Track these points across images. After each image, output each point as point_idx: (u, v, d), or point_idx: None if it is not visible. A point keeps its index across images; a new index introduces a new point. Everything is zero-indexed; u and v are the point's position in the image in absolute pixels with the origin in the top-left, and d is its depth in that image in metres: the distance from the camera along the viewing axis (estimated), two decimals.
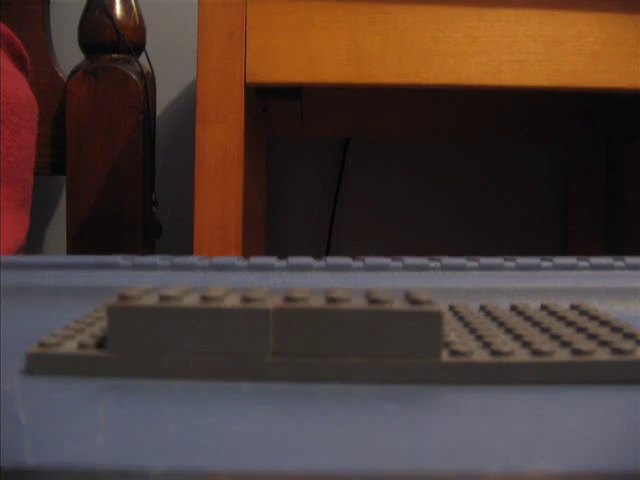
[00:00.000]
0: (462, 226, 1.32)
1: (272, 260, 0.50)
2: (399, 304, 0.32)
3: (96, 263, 0.50)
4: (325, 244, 1.29)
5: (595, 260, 0.51)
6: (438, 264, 0.50)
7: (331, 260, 0.50)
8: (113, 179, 1.05)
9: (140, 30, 1.07)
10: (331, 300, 0.32)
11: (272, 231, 1.28)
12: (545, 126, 1.27)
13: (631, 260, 0.51)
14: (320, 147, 1.30)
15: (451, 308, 0.41)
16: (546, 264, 0.50)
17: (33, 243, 1.13)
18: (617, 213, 1.28)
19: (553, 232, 1.34)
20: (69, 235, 1.05)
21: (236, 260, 0.50)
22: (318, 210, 1.31)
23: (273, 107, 1.19)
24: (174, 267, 0.50)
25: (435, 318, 0.31)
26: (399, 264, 0.51)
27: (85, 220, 1.05)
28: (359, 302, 0.32)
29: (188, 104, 1.19)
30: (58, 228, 1.20)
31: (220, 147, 0.84)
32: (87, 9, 1.06)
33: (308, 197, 1.31)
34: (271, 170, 1.25)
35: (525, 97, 1.17)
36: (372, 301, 0.32)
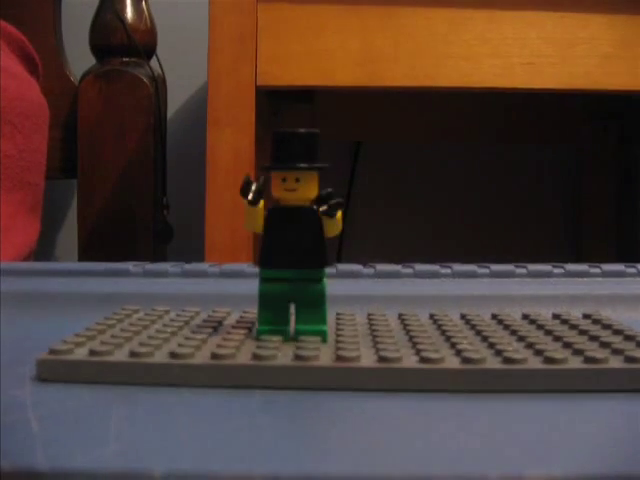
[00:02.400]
0: (474, 229, 1.31)
1: None
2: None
3: (107, 270, 0.50)
4: (336, 247, 1.29)
5: (607, 267, 0.50)
6: (449, 271, 0.50)
7: (342, 267, 0.50)
8: (124, 182, 1.05)
9: (151, 33, 1.07)
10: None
11: None
12: (558, 128, 1.27)
13: None
14: (331, 150, 1.30)
15: (463, 316, 0.41)
16: (557, 271, 0.50)
17: (44, 247, 1.13)
18: (630, 216, 1.27)
19: (565, 235, 1.34)
20: (80, 239, 1.06)
21: (246, 267, 0.50)
22: None
23: (284, 110, 1.18)
24: (185, 274, 0.50)
25: None
26: (410, 271, 0.50)
27: (96, 224, 1.05)
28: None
29: (199, 107, 1.18)
30: (69, 232, 1.20)
31: (231, 150, 0.84)
32: (98, 12, 1.06)
33: None
34: None
35: (537, 99, 1.16)
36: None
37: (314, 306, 0.37)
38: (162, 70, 1.09)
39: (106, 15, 1.05)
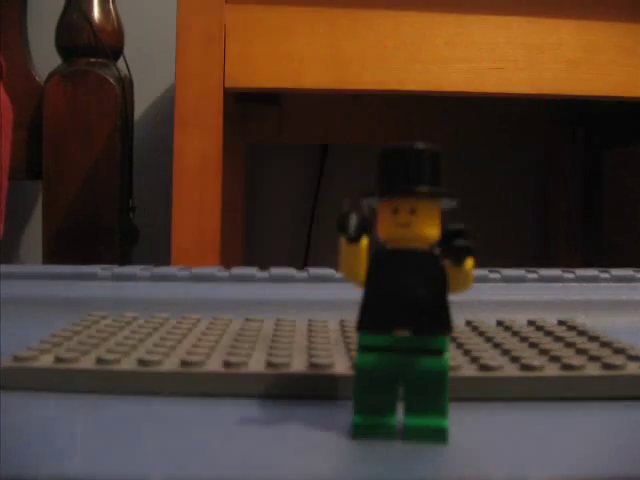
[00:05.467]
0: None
1: (253, 271, 0.49)
2: None
3: (74, 274, 0.49)
4: (304, 250, 1.28)
5: (580, 272, 0.50)
6: None
7: (313, 271, 0.49)
8: (90, 184, 1.03)
9: (118, 34, 1.06)
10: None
11: (250, 237, 1.27)
12: (526, 130, 1.27)
13: (616, 272, 0.50)
14: (299, 153, 1.30)
15: None
16: (531, 276, 0.50)
17: (8, 249, 1.11)
18: (596, 217, 1.28)
19: (532, 235, 1.34)
20: (45, 240, 1.04)
21: (217, 271, 0.49)
22: (296, 216, 1.30)
23: (252, 113, 1.18)
24: (154, 278, 0.49)
25: None
26: None
27: (61, 225, 1.04)
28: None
29: (166, 109, 1.18)
30: (34, 233, 1.19)
31: (198, 152, 0.83)
32: (64, 12, 1.05)
33: (287, 203, 1.31)
34: (249, 176, 1.25)
35: (504, 104, 1.17)
36: None
37: (432, 389, 0.27)
38: (129, 71, 1.08)
39: (73, 15, 1.04)
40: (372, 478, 0.24)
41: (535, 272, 0.50)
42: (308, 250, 1.28)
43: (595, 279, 0.50)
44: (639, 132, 1.13)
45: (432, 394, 0.26)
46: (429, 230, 0.27)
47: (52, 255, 1.03)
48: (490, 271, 0.50)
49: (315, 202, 1.29)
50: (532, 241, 1.34)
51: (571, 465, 0.24)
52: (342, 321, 0.39)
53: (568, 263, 1.04)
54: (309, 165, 1.29)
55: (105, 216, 1.04)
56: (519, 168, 1.34)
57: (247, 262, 0.94)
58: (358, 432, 0.27)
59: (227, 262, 0.86)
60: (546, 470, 0.24)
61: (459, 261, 0.27)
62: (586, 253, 1.26)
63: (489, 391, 0.31)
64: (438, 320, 0.27)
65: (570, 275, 0.50)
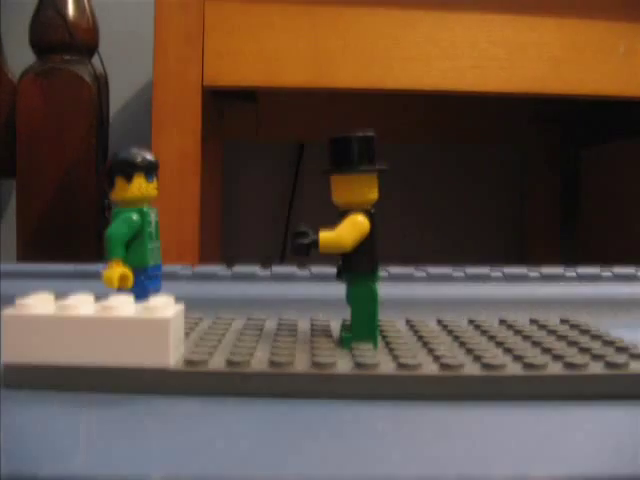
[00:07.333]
0: (416, 229, 1.31)
1: (255, 269, 0.49)
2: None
3: (76, 272, 0.48)
4: (280, 247, 1.28)
5: (583, 270, 0.50)
6: (424, 274, 0.49)
7: (315, 270, 0.49)
8: (65, 183, 1.02)
9: (93, 30, 1.05)
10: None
11: (226, 234, 1.26)
12: (501, 130, 1.28)
13: (619, 270, 0.50)
14: (276, 150, 1.29)
15: (439, 322, 0.40)
16: (533, 274, 0.49)
17: None
18: (571, 216, 1.29)
19: (509, 235, 1.34)
20: (19, 240, 1.03)
21: (219, 269, 0.49)
22: (273, 213, 1.30)
23: (228, 110, 1.17)
24: None
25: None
26: (384, 274, 0.50)
27: (36, 225, 1.02)
28: None
29: (142, 106, 1.17)
30: (8, 233, 1.17)
31: (177, 151, 0.82)
32: (38, 8, 1.03)
33: (263, 200, 1.30)
34: (226, 173, 1.24)
35: (485, 99, 1.17)
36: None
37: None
38: (104, 68, 1.07)
39: (47, 11, 1.02)
40: None
41: (537, 270, 0.50)
42: (285, 247, 1.28)
43: (597, 277, 0.50)
44: (616, 130, 1.14)
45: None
46: (371, 195, 0.37)
47: (26, 255, 1.02)
48: (492, 269, 0.50)
49: (292, 199, 1.28)
50: (510, 240, 1.34)
51: (573, 465, 0.24)
52: (344, 320, 0.39)
53: (546, 261, 1.04)
54: (286, 163, 1.29)
55: (81, 215, 1.03)
56: (497, 167, 1.34)
57: (224, 260, 0.93)
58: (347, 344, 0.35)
59: (204, 260, 0.85)
60: (547, 470, 0.24)
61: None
62: (564, 251, 1.27)
63: (492, 390, 0.31)
64: (365, 262, 0.36)
65: (572, 273, 0.50)
